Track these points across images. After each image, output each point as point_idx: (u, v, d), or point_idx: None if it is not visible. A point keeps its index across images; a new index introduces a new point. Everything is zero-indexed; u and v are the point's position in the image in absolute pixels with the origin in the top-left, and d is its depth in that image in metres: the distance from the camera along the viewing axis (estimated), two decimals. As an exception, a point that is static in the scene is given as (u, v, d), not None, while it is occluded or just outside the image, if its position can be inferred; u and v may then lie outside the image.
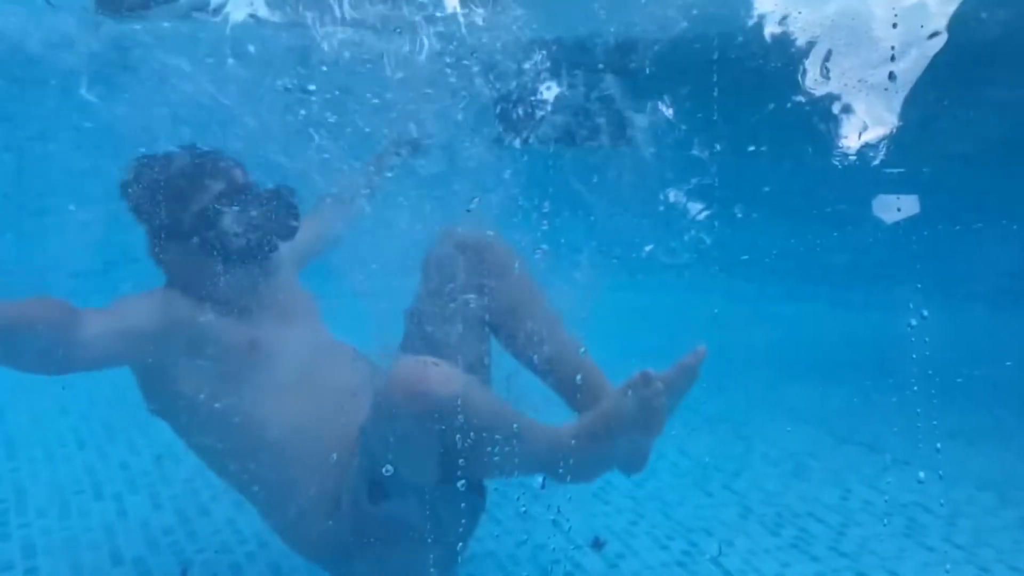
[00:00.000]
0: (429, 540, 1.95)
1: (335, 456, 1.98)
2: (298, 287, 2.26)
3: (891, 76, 2.78)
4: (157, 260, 2.06)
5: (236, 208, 1.97)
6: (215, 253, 1.97)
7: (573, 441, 1.88)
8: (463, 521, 2.05)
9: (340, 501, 1.97)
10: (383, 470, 1.81)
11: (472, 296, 2.08)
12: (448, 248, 2.12)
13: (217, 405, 1.95)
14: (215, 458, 2.06)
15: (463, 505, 2.01)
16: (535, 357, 2.12)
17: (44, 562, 2.46)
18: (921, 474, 3.43)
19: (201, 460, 2.09)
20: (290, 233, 2.06)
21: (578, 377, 2.11)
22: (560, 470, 1.88)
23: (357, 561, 2.02)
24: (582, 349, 2.16)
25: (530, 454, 1.84)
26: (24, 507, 2.84)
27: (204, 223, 1.96)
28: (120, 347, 1.83)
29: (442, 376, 1.69)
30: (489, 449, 1.77)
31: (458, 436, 1.72)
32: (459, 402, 1.67)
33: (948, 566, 2.67)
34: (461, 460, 1.80)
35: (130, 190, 2.08)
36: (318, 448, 2.00)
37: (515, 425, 1.80)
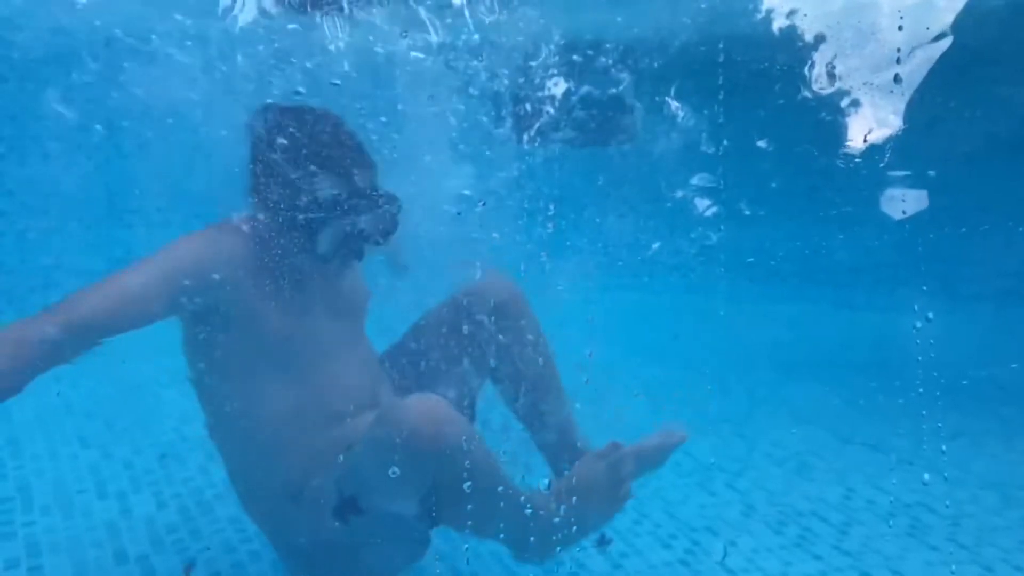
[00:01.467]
0: (369, 561, 2.00)
1: (316, 455, 1.98)
2: (360, 285, 2.22)
3: (896, 79, 2.78)
4: (253, 196, 1.95)
5: (357, 194, 1.91)
6: (314, 228, 1.90)
7: (541, 510, 1.91)
8: (407, 554, 2.10)
9: (303, 495, 1.97)
10: (369, 497, 1.84)
11: (490, 345, 2.09)
12: (483, 296, 2.13)
13: (232, 375, 1.94)
14: (213, 431, 2.07)
15: (414, 540, 2.06)
16: (529, 415, 2.20)
17: (48, 560, 2.46)
18: (926, 476, 3.43)
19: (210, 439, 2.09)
20: (383, 239, 2.00)
21: (576, 443, 2.22)
22: (528, 534, 1.92)
23: (299, 553, 2.08)
24: (577, 432, 2.25)
25: (504, 512, 1.86)
26: (29, 505, 2.84)
27: (326, 193, 1.88)
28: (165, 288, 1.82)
29: (456, 419, 1.74)
30: (469, 497, 1.79)
31: (449, 479, 1.76)
32: (466, 447, 1.71)
33: (952, 566, 2.67)
34: (439, 502, 1.84)
35: (270, 121, 1.93)
36: (304, 442, 1.99)
37: (499, 486, 1.83)
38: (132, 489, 3.02)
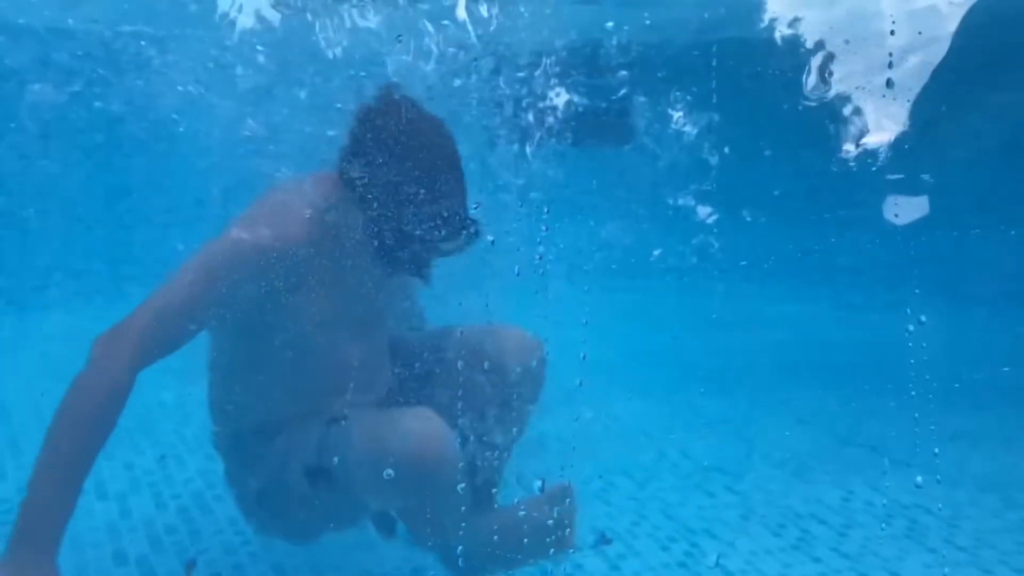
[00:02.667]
0: (309, 521, 2.04)
1: (304, 412, 1.99)
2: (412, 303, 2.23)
3: (889, 83, 2.79)
4: (343, 171, 1.90)
5: (448, 212, 1.87)
6: (393, 229, 1.86)
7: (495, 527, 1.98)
8: (342, 525, 2.14)
9: (275, 441, 1.98)
10: (348, 479, 1.86)
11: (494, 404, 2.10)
12: (506, 355, 2.13)
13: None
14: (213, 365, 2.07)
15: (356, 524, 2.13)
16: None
17: (48, 561, 2.46)
18: (924, 478, 3.43)
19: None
20: (456, 253, 1.96)
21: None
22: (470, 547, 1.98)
23: (248, 493, 2.10)
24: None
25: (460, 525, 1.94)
26: (28, 506, 2.84)
27: (419, 200, 1.84)
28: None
29: (452, 441, 1.82)
30: (439, 510, 1.89)
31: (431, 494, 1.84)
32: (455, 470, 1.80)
33: (949, 569, 2.67)
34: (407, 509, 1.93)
35: (379, 117, 1.87)
36: (296, 396, 2.01)
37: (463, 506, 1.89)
38: (132, 490, 3.02)
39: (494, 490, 2.19)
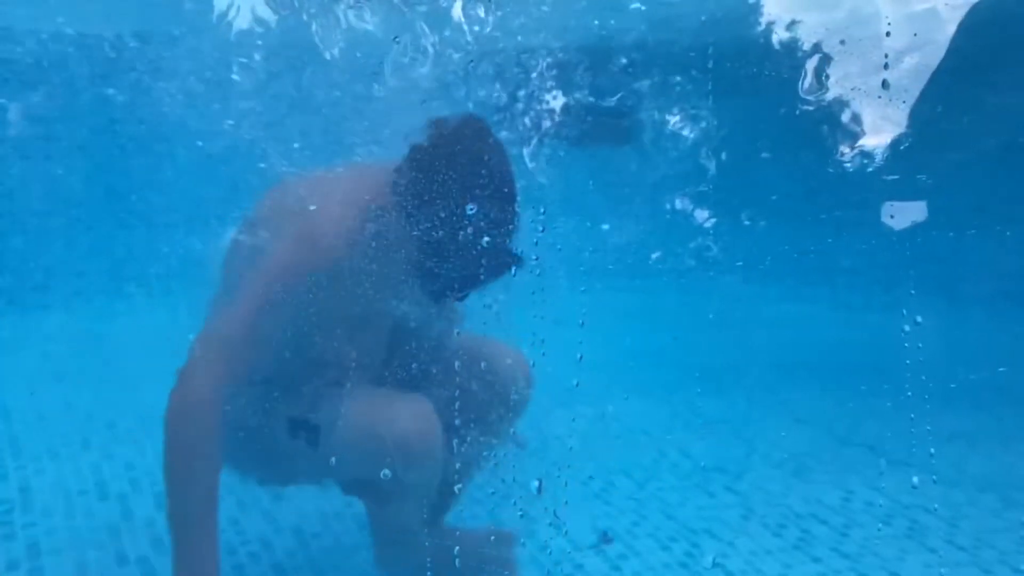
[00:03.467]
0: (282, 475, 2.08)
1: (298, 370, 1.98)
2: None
3: (884, 84, 2.79)
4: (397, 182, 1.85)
5: (501, 238, 1.83)
6: (441, 253, 1.81)
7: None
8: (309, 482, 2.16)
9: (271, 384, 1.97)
10: (329, 446, 1.88)
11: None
12: (503, 381, 2.15)
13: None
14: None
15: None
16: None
17: (49, 562, 2.47)
18: (922, 478, 3.44)
19: None
20: (494, 280, 1.92)
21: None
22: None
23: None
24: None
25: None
26: (29, 507, 2.85)
27: (470, 223, 1.80)
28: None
29: (440, 438, 1.87)
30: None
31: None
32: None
33: (949, 569, 2.68)
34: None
35: (436, 143, 1.83)
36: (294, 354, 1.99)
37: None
38: (133, 490, 3.02)
39: (451, 501, 2.23)
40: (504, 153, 1.87)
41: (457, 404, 2.01)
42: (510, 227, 1.86)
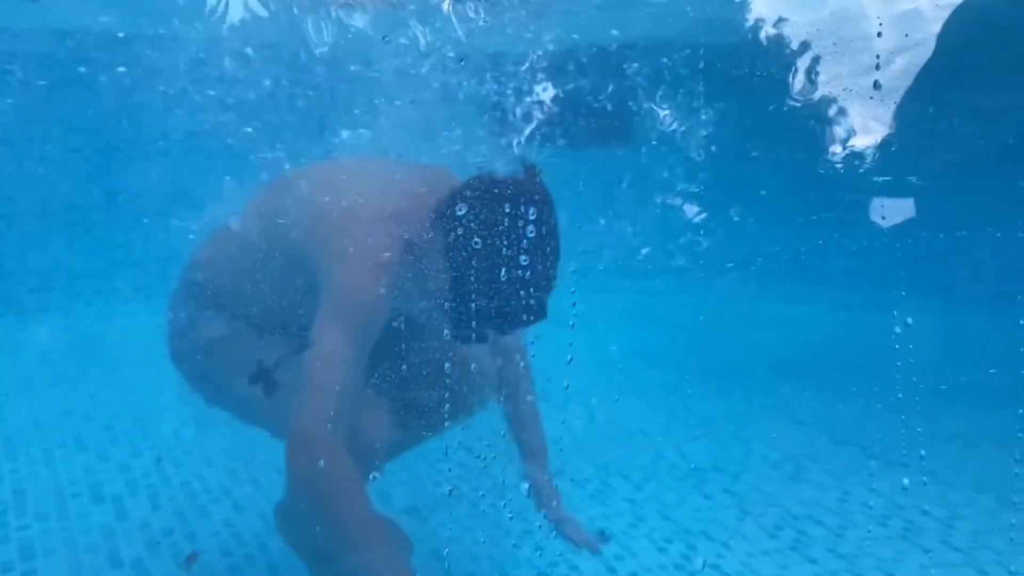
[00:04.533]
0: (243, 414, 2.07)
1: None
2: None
3: (876, 85, 2.80)
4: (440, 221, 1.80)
5: (536, 293, 1.77)
6: (472, 294, 1.76)
7: None
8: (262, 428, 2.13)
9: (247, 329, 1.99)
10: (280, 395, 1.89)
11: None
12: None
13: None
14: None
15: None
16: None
17: (43, 564, 2.46)
18: (916, 479, 3.44)
19: None
20: (523, 326, 1.88)
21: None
22: None
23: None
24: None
25: None
26: (23, 509, 2.85)
27: (510, 274, 1.75)
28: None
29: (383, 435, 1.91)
30: None
31: None
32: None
33: (944, 570, 2.68)
34: None
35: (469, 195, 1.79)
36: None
37: None
38: (128, 492, 3.02)
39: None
40: (554, 210, 1.83)
41: (446, 405, 2.01)
42: (547, 285, 1.82)
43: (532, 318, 1.80)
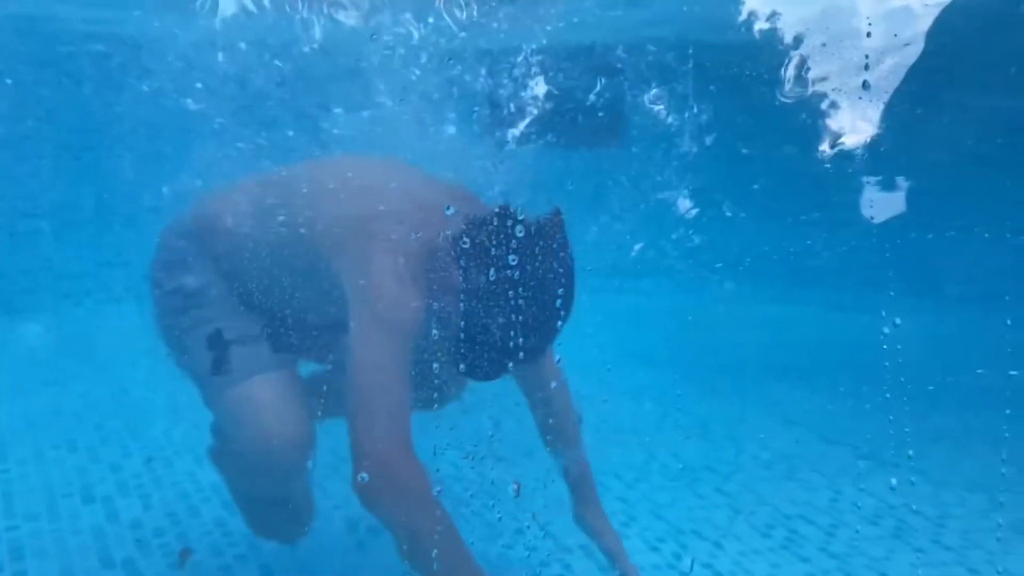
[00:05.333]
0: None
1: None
2: None
3: (865, 85, 2.81)
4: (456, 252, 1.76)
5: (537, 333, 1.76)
6: (477, 328, 1.73)
7: None
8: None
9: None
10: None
11: None
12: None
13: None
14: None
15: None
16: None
17: (32, 565, 2.45)
18: (893, 480, 3.45)
19: None
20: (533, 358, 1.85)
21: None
22: None
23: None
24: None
25: None
26: (12, 509, 2.83)
27: (520, 314, 1.73)
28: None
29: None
30: None
31: None
32: None
33: (935, 569, 2.69)
34: None
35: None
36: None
37: None
38: (119, 493, 3.01)
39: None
40: (572, 261, 1.82)
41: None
42: (552, 332, 1.81)
43: (526, 357, 1.78)
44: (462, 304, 1.73)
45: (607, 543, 2.30)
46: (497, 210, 1.76)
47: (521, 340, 1.74)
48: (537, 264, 1.72)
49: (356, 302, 1.70)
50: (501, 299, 1.71)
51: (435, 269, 1.76)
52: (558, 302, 1.79)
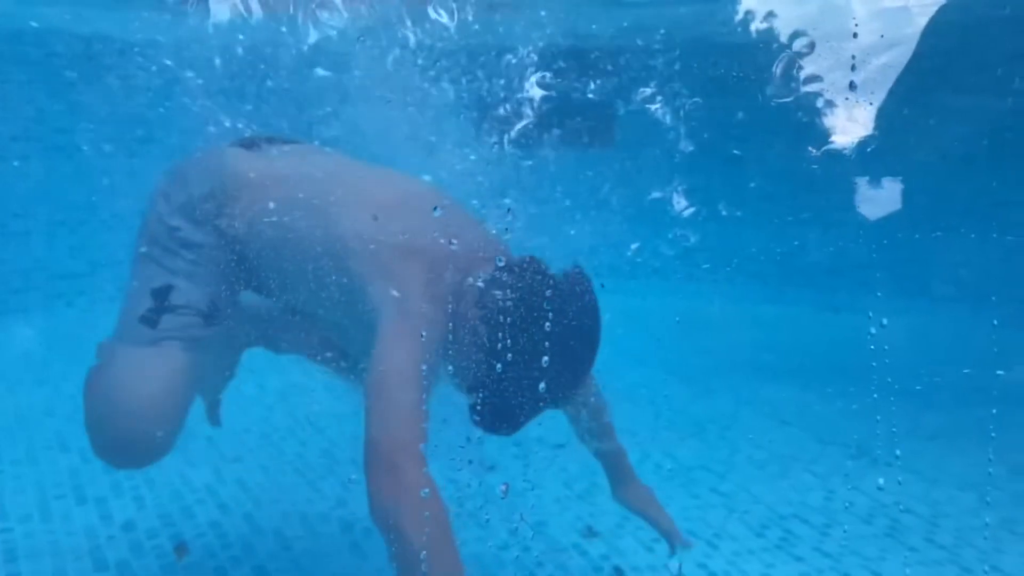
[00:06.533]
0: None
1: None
2: None
3: (852, 86, 2.82)
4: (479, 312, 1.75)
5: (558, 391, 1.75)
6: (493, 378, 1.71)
7: None
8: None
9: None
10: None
11: None
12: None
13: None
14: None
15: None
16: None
17: (26, 567, 2.44)
18: (881, 479, 3.47)
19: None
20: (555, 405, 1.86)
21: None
22: None
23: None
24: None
25: None
26: (5, 512, 2.82)
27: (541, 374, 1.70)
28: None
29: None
30: None
31: None
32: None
33: (928, 567, 2.70)
34: None
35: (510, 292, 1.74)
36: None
37: None
38: (113, 494, 2.99)
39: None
40: (598, 322, 1.81)
41: None
42: (572, 390, 1.82)
43: (545, 406, 1.78)
44: (479, 351, 1.72)
45: (653, 514, 2.26)
46: (526, 264, 1.76)
47: (543, 403, 1.75)
48: (566, 324, 1.71)
49: (387, 310, 1.69)
50: (529, 361, 1.70)
51: (462, 316, 1.75)
52: (584, 365, 1.79)
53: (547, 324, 1.69)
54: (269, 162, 2.02)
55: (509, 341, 1.70)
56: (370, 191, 1.91)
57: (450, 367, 1.82)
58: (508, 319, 1.69)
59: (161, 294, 1.95)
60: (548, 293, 1.71)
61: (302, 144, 2.18)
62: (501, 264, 1.76)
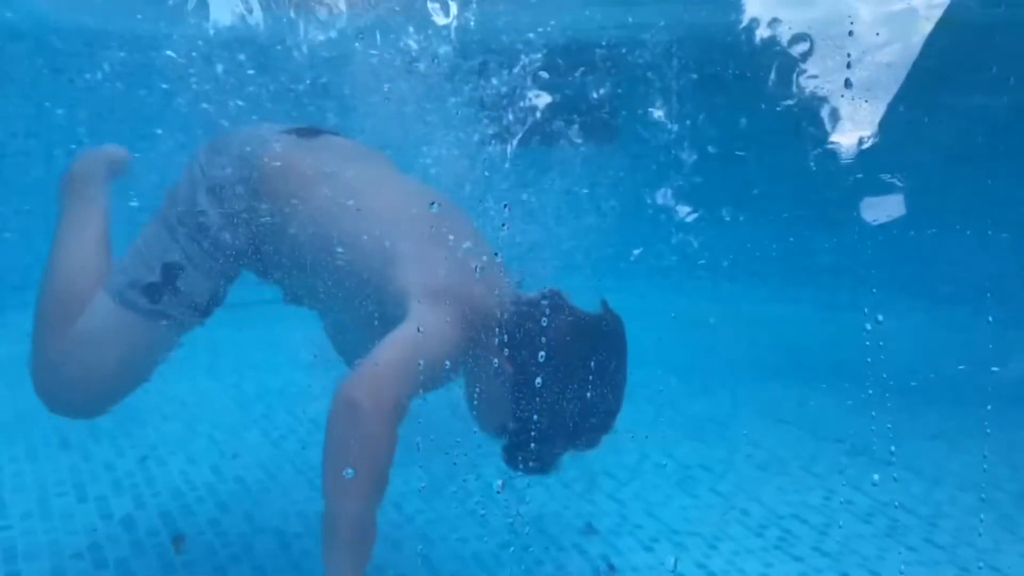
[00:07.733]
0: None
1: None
2: None
3: (847, 83, 2.82)
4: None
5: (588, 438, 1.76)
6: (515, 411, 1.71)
7: None
8: None
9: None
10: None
11: None
12: None
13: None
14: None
15: None
16: None
17: (25, 566, 2.44)
18: (876, 476, 3.47)
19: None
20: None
21: None
22: None
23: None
24: None
25: None
26: (5, 510, 2.82)
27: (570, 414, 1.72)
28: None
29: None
30: None
31: None
32: None
33: (928, 567, 2.70)
34: None
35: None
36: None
37: None
38: (113, 492, 3.00)
39: None
40: (625, 362, 1.82)
41: None
42: (605, 432, 1.83)
43: (578, 447, 1.82)
44: (512, 403, 1.72)
45: None
46: (547, 297, 1.75)
47: (576, 444, 1.79)
48: (591, 360, 1.72)
49: (409, 313, 1.69)
50: (559, 404, 1.71)
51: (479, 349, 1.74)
52: (616, 404, 1.82)
53: (577, 367, 1.69)
54: (315, 157, 1.99)
55: (539, 383, 1.69)
56: (412, 207, 1.90)
57: (474, 412, 1.82)
58: (537, 361, 1.68)
59: (171, 272, 1.95)
60: (577, 333, 1.71)
61: (347, 140, 2.17)
62: (523, 300, 1.74)
